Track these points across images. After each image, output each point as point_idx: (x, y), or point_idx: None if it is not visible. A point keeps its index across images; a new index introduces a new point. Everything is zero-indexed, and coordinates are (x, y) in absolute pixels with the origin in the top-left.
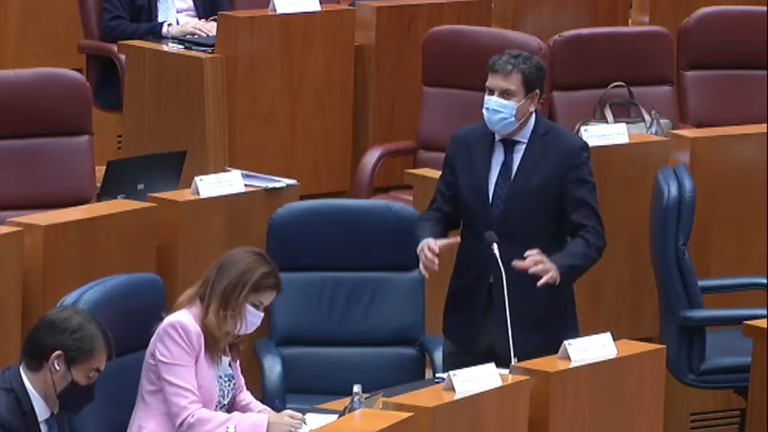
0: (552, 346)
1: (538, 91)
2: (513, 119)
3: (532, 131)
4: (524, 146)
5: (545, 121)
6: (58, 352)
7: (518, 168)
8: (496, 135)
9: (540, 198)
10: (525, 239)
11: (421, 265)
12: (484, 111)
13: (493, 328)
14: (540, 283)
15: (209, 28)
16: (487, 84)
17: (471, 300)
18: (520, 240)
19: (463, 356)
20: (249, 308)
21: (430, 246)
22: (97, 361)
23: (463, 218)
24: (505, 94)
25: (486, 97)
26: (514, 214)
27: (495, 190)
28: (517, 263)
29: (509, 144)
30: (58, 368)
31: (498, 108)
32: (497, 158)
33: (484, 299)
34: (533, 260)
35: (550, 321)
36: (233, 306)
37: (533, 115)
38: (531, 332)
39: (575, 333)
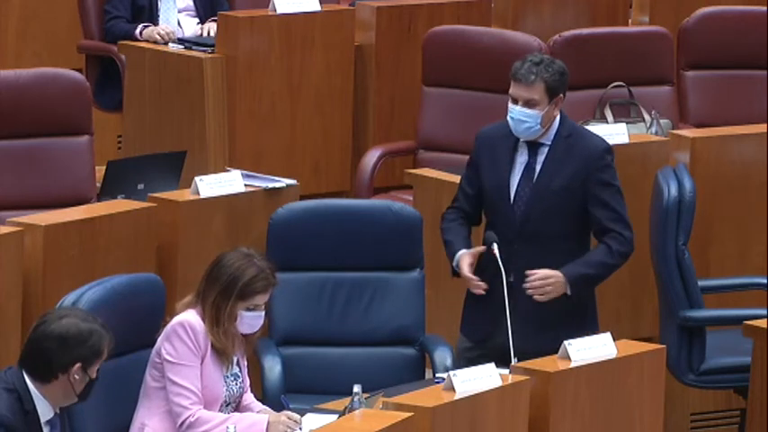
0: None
1: (561, 95)
2: (539, 126)
3: (556, 133)
4: (548, 148)
5: (569, 122)
6: (78, 365)
7: (541, 170)
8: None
9: (562, 200)
10: (546, 240)
11: (473, 288)
12: (509, 119)
13: (519, 327)
14: (537, 298)
15: (169, 31)
16: (511, 92)
17: (490, 297)
18: (541, 241)
19: (477, 352)
20: (244, 313)
21: (465, 273)
22: (105, 353)
23: (486, 216)
24: (530, 103)
25: (511, 106)
26: (536, 215)
27: (517, 190)
28: (527, 283)
29: (533, 145)
30: (78, 377)
31: (523, 118)
32: (521, 159)
33: (503, 297)
34: (538, 282)
35: (567, 322)
36: (223, 321)
37: (558, 117)
38: (548, 332)
39: (593, 332)
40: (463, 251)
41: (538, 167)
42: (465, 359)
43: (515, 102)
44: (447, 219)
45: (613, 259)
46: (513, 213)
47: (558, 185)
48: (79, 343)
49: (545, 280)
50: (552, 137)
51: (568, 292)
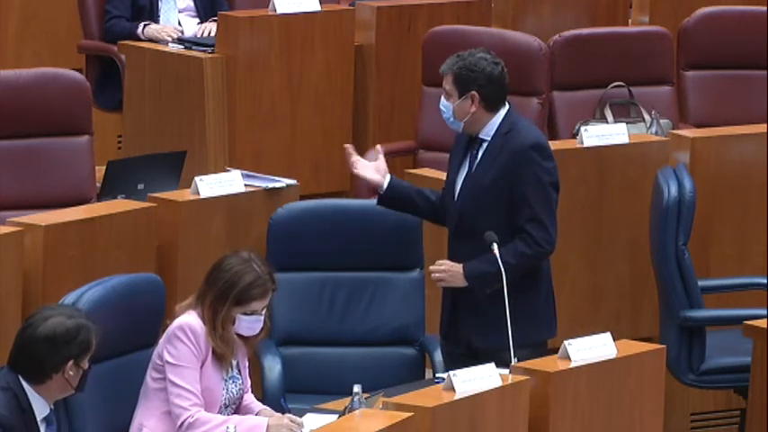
0: (516, 343)
1: (475, 92)
2: (453, 118)
3: (497, 129)
4: (486, 144)
5: (514, 118)
6: (70, 362)
7: (476, 166)
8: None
9: (491, 196)
10: (480, 236)
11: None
12: None
13: (466, 325)
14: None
15: (170, 31)
16: None
17: (448, 296)
18: (475, 237)
19: (452, 349)
20: (242, 317)
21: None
22: (94, 345)
23: None
24: (445, 94)
25: None
26: (470, 212)
27: (460, 187)
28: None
29: (475, 142)
30: (72, 373)
31: (441, 107)
32: (468, 156)
33: (450, 294)
34: (437, 270)
35: (514, 320)
36: (219, 326)
37: (500, 113)
38: (494, 329)
39: (548, 333)
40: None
41: (475, 164)
42: (444, 358)
43: None
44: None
45: (515, 259)
46: (454, 210)
47: (487, 181)
48: (68, 341)
49: (443, 269)
50: (492, 133)
51: (470, 286)
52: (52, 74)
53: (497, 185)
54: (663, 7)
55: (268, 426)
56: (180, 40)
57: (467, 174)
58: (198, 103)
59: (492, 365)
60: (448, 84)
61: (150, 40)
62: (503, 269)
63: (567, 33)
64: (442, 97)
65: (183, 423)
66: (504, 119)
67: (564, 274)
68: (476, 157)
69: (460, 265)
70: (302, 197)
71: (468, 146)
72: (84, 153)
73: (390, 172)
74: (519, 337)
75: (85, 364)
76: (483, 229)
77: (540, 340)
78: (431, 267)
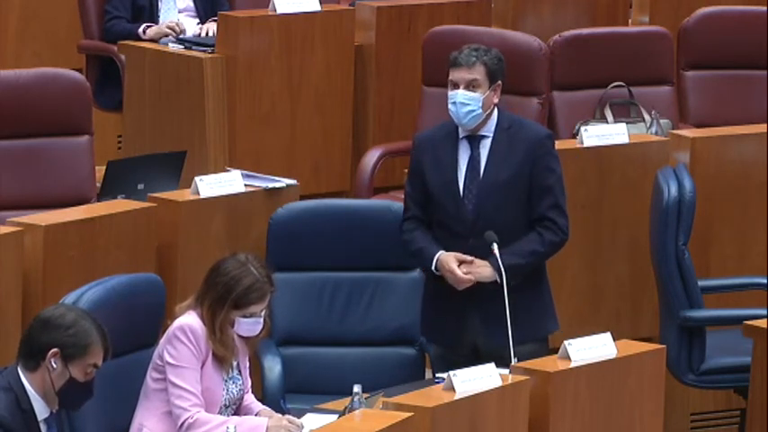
0: (529, 339)
1: (500, 82)
2: (481, 110)
3: (497, 125)
4: (490, 140)
5: (507, 114)
6: (54, 350)
7: (486, 163)
8: (461, 132)
9: (511, 191)
10: (499, 234)
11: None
12: (450, 106)
13: (474, 326)
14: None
15: (180, 28)
16: (451, 78)
17: (452, 299)
18: (497, 234)
19: (451, 357)
20: (241, 319)
21: (454, 271)
22: (93, 357)
23: (435, 218)
24: (471, 85)
25: (451, 92)
26: (487, 210)
27: (465, 186)
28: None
29: (475, 140)
30: (55, 366)
31: (465, 101)
32: (464, 155)
33: (463, 297)
34: (465, 269)
35: (526, 319)
36: (217, 329)
37: (496, 109)
38: (506, 327)
39: (554, 325)
40: (443, 252)
41: (483, 161)
42: (439, 366)
43: (456, 87)
44: (406, 230)
45: (544, 248)
46: (464, 210)
47: (505, 177)
48: (58, 327)
49: (472, 267)
50: (493, 129)
51: (498, 281)
52: (52, 74)
53: (516, 179)
54: (663, 7)
55: (267, 427)
56: (180, 40)
57: (471, 172)
58: (198, 103)
59: (492, 365)
60: (478, 74)
61: (152, 41)
62: (503, 268)
63: (567, 33)
64: (463, 90)
65: (183, 423)
66: (500, 114)
67: (564, 274)
68: (480, 155)
69: (485, 263)
70: (302, 197)
71: (456, 146)
72: (84, 153)
73: (390, 172)
74: (530, 333)
75: (77, 372)
76: (503, 225)
77: (549, 333)
78: (460, 270)
